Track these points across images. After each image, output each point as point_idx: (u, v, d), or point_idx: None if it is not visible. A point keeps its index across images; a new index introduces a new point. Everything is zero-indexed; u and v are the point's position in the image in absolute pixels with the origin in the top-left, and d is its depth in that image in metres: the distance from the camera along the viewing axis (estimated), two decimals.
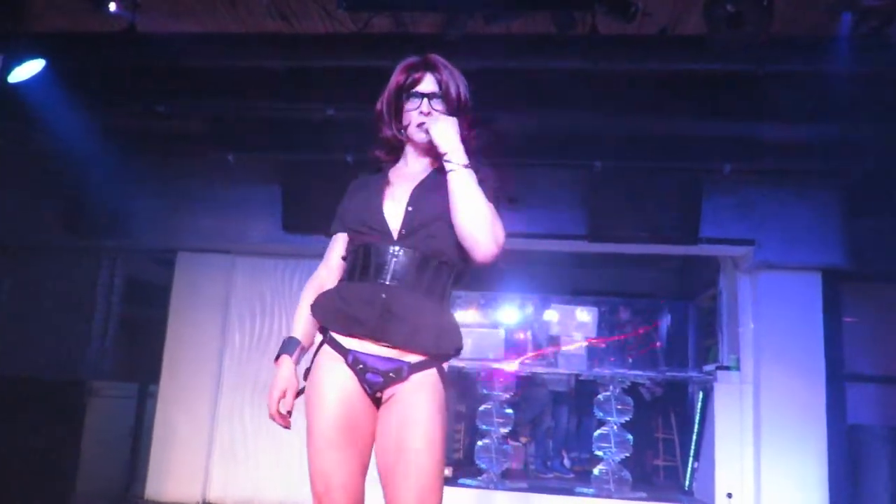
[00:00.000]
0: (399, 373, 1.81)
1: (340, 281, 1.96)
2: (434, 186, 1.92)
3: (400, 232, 1.87)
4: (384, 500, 1.79)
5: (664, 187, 5.31)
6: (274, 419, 1.87)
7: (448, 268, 1.90)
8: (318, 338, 1.94)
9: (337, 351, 1.85)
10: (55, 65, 4.05)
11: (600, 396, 5.89)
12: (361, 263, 1.89)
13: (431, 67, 1.97)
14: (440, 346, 1.85)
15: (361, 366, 1.82)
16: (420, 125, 1.93)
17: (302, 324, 1.95)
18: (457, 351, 1.89)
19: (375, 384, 1.82)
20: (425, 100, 1.94)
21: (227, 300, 6.02)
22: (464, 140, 1.90)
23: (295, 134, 5.07)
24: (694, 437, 6.18)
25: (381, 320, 1.81)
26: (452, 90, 1.95)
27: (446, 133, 1.86)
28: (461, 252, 1.88)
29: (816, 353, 5.40)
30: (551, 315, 6.99)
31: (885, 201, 5.19)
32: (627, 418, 5.80)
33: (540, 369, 6.50)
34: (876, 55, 3.40)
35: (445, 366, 1.90)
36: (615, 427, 5.78)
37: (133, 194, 5.63)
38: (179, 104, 4.68)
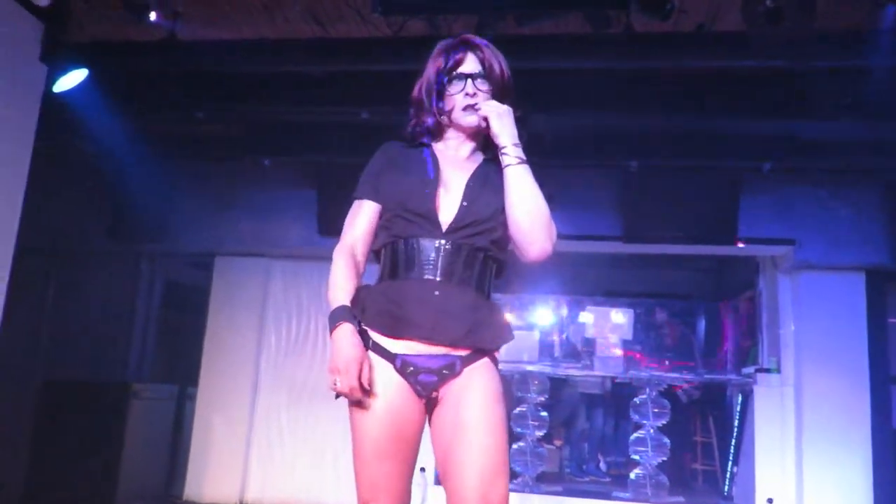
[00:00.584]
0: (452, 368, 1.73)
1: (381, 279, 1.83)
2: (486, 179, 1.85)
3: (449, 225, 1.77)
4: (447, 494, 1.71)
5: (701, 187, 5.24)
6: (353, 392, 1.67)
7: (493, 262, 1.83)
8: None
9: (383, 356, 1.73)
10: (97, 73, 4.14)
11: (636, 399, 5.83)
12: (405, 258, 1.78)
13: (472, 47, 1.89)
14: (495, 342, 1.79)
15: (412, 368, 1.72)
16: (466, 108, 1.85)
17: (345, 293, 1.78)
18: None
19: (429, 384, 1.73)
20: (469, 80, 1.85)
21: (263, 303, 6.09)
22: None
23: (330, 137, 5.12)
24: (733, 441, 6.08)
25: (437, 320, 1.72)
26: (496, 68, 1.87)
27: (506, 125, 1.79)
28: (505, 248, 1.83)
29: (860, 355, 5.28)
30: (586, 317, 6.94)
31: None
32: (664, 421, 5.73)
33: (575, 372, 6.45)
34: None
35: (497, 355, 1.83)
36: (652, 430, 5.71)
37: (172, 199, 5.73)
38: (217, 110, 4.75)
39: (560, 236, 1.83)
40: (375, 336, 1.75)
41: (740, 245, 5.38)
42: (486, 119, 1.82)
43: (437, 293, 1.73)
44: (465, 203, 1.79)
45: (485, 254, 1.79)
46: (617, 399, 6.74)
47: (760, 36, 3.33)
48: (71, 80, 4.09)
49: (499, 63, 1.88)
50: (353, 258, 1.83)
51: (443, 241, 1.76)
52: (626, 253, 5.79)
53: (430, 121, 1.89)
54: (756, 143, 4.96)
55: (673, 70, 4.27)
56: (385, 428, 1.70)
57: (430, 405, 1.75)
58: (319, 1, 3.70)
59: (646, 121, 4.71)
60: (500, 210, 1.79)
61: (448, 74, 1.86)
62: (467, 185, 1.83)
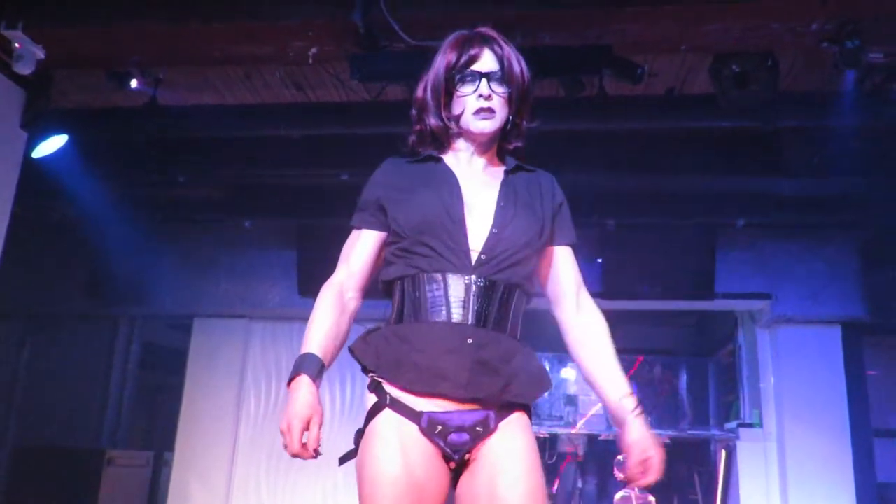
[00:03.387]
0: (486, 424, 1.47)
1: (399, 319, 1.55)
2: (516, 197, 1.61)
3: (479, 257, 1.51)
4: None
5: (678, 243, 5.32)
6: (298, 456, 1.42)
7: (526, 298, 1.59)
8: (370, 398, 1.53)
9: (405, 415, 1.46)
10: (78, 138, 4.17)
11: (620, 457, 5.78)
12: (431, 297, 1.50)
13: (489, 41, 1.62)
14: (532, 395, 1.54)
15: (441, 427, 1.45)
16: (479, 111, 1.59)
17: (320, 337, 1.51)
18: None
19: (462, 445, 1.46)
20: (484, 80, 1.58)
21: (243, 365, 6.02)
22: (520, 134, 1.68)
23: (310, 199, 5.16)
24: (719, 497, 6.02)
25: (472, 374, 1.45)
26: (516, 69, 1.62)
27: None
28: (536, 283, 1.63)
29: (840, 408, 5.30)
30: (568, 373, 6.92)
31: None
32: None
33: (558, 430, 6.40)
34: (881, 110, 3.44)
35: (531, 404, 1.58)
36: (636, 489, 5.65)
37: (152, 261, 5.71)
38: (198, 173, 4.79)
39: (540, 294, 1.68)
40: (394, 391, 1.48)
41: (718, 300, 5.44)
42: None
43: (470, 341, 1.46)
44: (494, 230, 1.53)
45: (519, 290, 1.55)
46: (601, 457, 6.67)
47: (729, 98, 3.43)
48: (51, 145, 4.11)
49: (519, 64, 1.63)
50: (342, 296, 1.59)
51: (474, 278, 1.50)
52: (609, 310, 5.80)
53: (434, 122, 1.63)
54: (730, 200, 5.06)
55: (646, 131, 4.38)
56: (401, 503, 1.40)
57: (458, 468, 1.49)
58: (300, 67, 3.77)
59: (622, 179, 4.80)
60: (536, 236, 1.58)
61: (460, 72, 1.60)
62: (498, 206, 1.57)
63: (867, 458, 5.28)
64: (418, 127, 1.67)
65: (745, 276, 5.44)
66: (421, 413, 1.45)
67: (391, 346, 1.51)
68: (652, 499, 5.63)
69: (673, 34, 3.11)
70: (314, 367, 1.47)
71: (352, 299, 1.61)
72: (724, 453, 6.02)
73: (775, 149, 4.34)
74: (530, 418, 1.56)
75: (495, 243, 1.52)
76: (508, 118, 1.65)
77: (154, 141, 4.43)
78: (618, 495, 5.72)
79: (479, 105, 1.58)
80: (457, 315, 1.48)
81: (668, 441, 6.31)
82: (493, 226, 1.53)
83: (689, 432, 6.45)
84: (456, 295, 1.49)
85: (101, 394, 6.56)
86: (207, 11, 3.18)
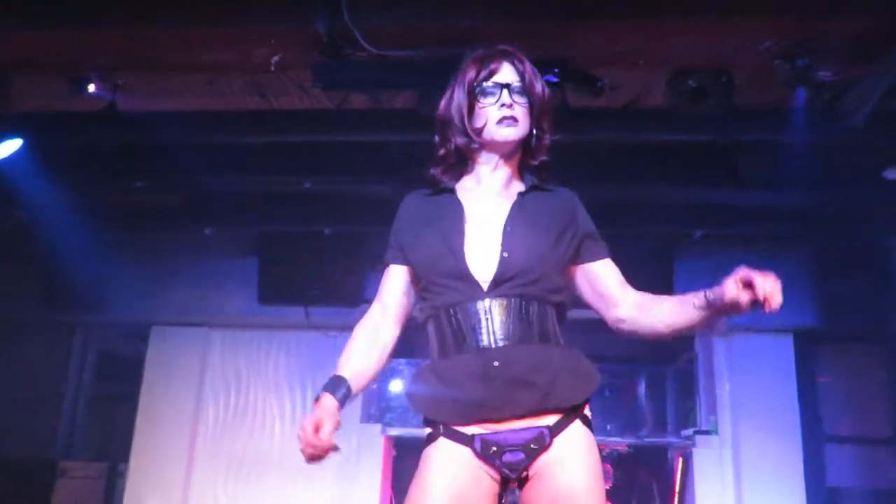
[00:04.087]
0: (541, 441, 1.48)
1: (432, 358, 1.61)
2: (528, 217, 1.62)
3: (492, 281, 1.54)
4: None
5: (637, 253, 5.36)
6: (313, 456, 1.52)
7: (552, 307, 1.60)
8: (427, 430, 1.59)
9: (458, 441, 1.51)
10: (34, 143, 4.08)
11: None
12: (452, 331, 1.55)
13: (508, 55, 1.67)
14: (579, 394, 1.55)
15: (494, 448, 1.48)
16: (503, 120, 1.62)
17: (352, 363, 1.60)
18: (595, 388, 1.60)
19: (518, 464, 1.49)
20: (505, 91, 1.62)
21: (201, 374, 5.93)
22: (544, 147, 1.70)
23: (271, 207, 5.12)
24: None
25: (506, 392, 1.48)
26: (536, 84, 1.66)
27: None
28: (563, 292, 1.63)
29: (792, 414, 5.43)
30: None
31: (852, 264, 5.34)
32: (607, 487, 5.73)
33: None
34: (830, 127, 3.55)
35: (587, 411, 1.58)
36: None
37: (110, 269, 5.60)
38: (158, 180, 4.72)
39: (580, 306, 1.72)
40: (449, 424, 1.55)
41: None
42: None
43: (496, 364, 1.50)
44: (504, 254, 1.56)
45: (538, 302, 1.57)
46: None
47: (686, 112, 3.51)
48: (5, 149, 4.02)
49: (537, 78, 1.68)
50: (374, 331, 1.66)
51: (488, 302, 1.53)
52: (568, 319, 5.87)
53: (460, 140, 1.66)
54: (688, 211, 5.16)
55: (607, 142, 4.45)
56: None
57: (519, 485, 1.53)
58: (262, 74, 3.75)
59: (581, 190, 4.85)
60: (548, 250, 1.59)
61: (480, 85, 1.64)
62: (505, 231, 1.59)
63: (818, 463, 5.42)
64: (443, 150, 1.70)
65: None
66: (473, 436, 1.50)
67: (430, 386, 1.57)
68: (609, 468, 5.68)
69: (631, 49, 3.18)
70: (340, 387, 1.55)
71: (386, 332, 1.69)
72: (680, 460, 6.11)
73: (731, 162, 4.44)
74: (589, 426, 1.57)
75: (506, 268, 1.55)
76: (531, 131, 1.68)
77: (113, 146, 4.36)
78: None
79: (502, 114, 1.62)
80: (480, 341, 1.52)
81: (628, 448, 6.39)
82: (503, 250, 1.56)
83: (648, 440, 6.53)
84: (474, 323, 1.53)
85: (54, 403, 6.40)
86: (169, 17, 3.15)
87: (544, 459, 1.49)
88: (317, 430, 1.49)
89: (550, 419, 1.51)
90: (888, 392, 5.61)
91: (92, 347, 6.69)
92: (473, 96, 1.65)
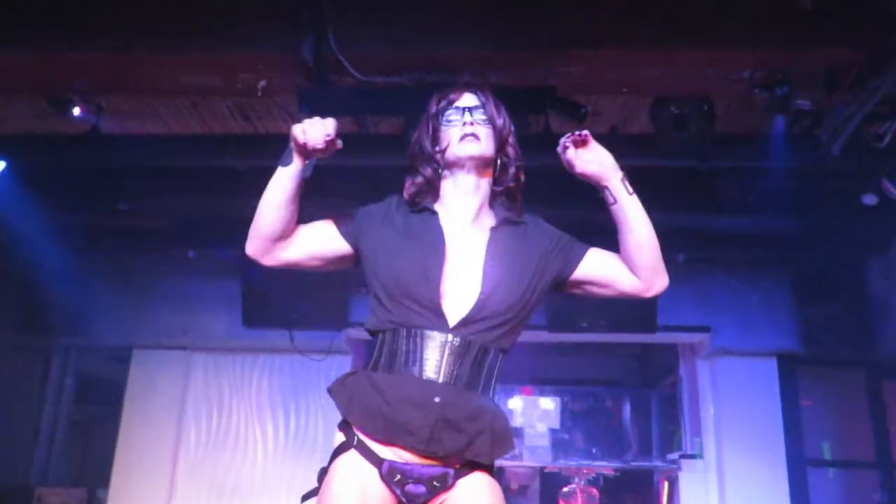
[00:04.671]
0: (444, 480, 1.52)
1: (375, 367, 1.60)
2: (506, 255, 1.64)
3: (461, 319, 1.56)
4: None
5: None
6: (315, 142, 1.58)
7: (503, 355, 1.63)
8: (339, 437, 1.60)
9: (368, 459, 1.53)
10: (17, 165, 4.06)
11: (566, 489, 5.81)
12: (406, 350, 1.55)
13: (469, 86, 1.75)
14: (494, 455, 1.57)
15: (399, 477, 1.51)
16: (462, 138, 1.66)
17: (297, 192, 1.67)
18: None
19: (418, 496, 1.51)
20: (467, 112, 1.68)
21: (183, 398, 5.87)
22: (510, 175, 1.71)
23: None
24: None
25: (435, 430, 1.50)
26: (494, 109, 1.71)
27: (600, 155, 1.66)
28: (516, 337, 1.66)
29: (776, 437, 5.45)
30: (515, 404, 6.95)
31: (834, 288, 5.40)
32: None
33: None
34: (808, 153, 3.61)
35: (494, 467, 1.62)
36: (581, 484, 5.69)
37: (91, 292, 5.56)
38: (142, 202, 4.70)
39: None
40: (361, 434, 1.55)
41: (660, 332, 5.56)
42: (572, 163, 1.68)
43: (437, 399, 1.52)
44: (482, 295, 1.58)
45: (495, 348, 1.59)
46: (546, 488, 6.69)
47: (667, 139, 3.55)
48: None
49: (498, 108, 1.74)
50: (292, 233, 1.70)
51: (450, 337, 1.55)
52: (554, 341, 5.88)
53: (428, 170, 1.70)
54: (671, 236, 5.13)
55: None
56: None
57: None
58: (248, 99, 3.76)
59: (566, 215, 4.86)
60: (523, 300, 1.61)
61: (443, 113, 1.71)
62: (486, 271, 1.61)
63: (802, 486, 5.42)
64: (411, 178, 1.73)
65: (686, 309, 5.57)
66: (383, 460, 1.52)
67: (364, 393, 1.56)
68: (595, 492, 5.67)
69: (614, 77, 3.22)
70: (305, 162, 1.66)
71: (289, 238, 1.69)
72: (666, 484, 6.11)
73: (713, 187, 4.49)
74: (494, 476, 1.60)
75: (479, 309, 1.57)
76: (496, 158, 1.72)
77: (96, 168, 4.34)
78: (564, 489, 5.76)
79: (464, 132, 1.67)
80: (428, 372, 1.53)
81: (614, 472, 6.38)
82: (482, 290, 1.58)
83: (633, 464, 6.52)
84: (431, 352, 1.54)
85: (32, 428, 6.29)
86: (154, 41, 3.16)
87: (448, 499, 1.53)
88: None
89: (458, 464, 1.55)
90: (871, 415, 5.65)
91: (71, 371, 6.60)
92: (437, 124, 1.70)
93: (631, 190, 1.68)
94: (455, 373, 1.54)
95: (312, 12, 3.00)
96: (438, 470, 1.52)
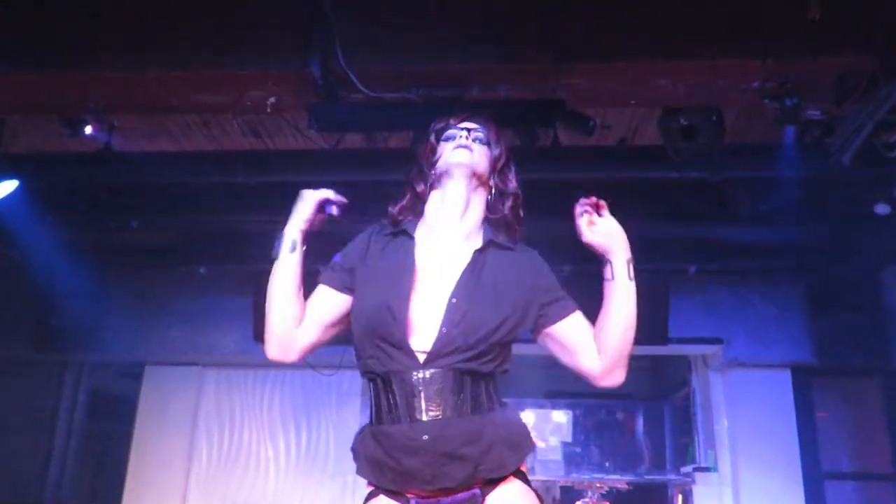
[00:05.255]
0: (474, 501, 1.51)
1: (372, 420, 1.61)
2: (478, 283, 1.60)
3: (429, 354, 1.54)
4: None
5: None
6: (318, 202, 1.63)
7: (489, 376, 1.59)
8: (368, 488, 1.61)
9: (396, 500, 1.54)
10: (29, 184, 4.09)
11: (579, 503, 5.76)
12: (388, 401, 1.54)
13: (473, 112, 1.80)
14: (511, 463, 1.55)
15: None
16: (455, 148, 1.70)
17: (297, 273, 1.71)
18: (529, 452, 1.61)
19: None
20: (465, 132, 1.72)
21: (195, 413, 5.88)
22: (504, 205, 1.73)
23: (266, 246, 5.10)
24: None
25: (435, 468, 1.49)
26: (493, 135, 1.75)
27: (614, 230, 1.63)
28: (502, 362, 1.62)
29: (792, 450, 5.39)
30: (527, 418, 6.91)
31: (848, 298, 5.35)
32: None
33: None
34: (819, 163, 3.59)
35: (524, 467, 1.60)
36: (594, 498, 5.64)
37: (103, 308, 5.59)
38: (153, 219, 4.73)
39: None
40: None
41: (672, 344, 5.52)
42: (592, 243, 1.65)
43: (426, 437, 1.49)
44: (443, 329, 1.54)
45: (473, 375, 1.56)
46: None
47: (677, 150, 3.54)
48: (0, 190, 4.02)
49: (497, 135, 1.77)
50: (297, 319, 1.70)
51: (423, 374, 1.52)
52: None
53: (419, 186, 1.74)
54: (681, 247, 5.17)
55: (599, 179, 4.48)
56: None
57: None
58: (258, 115, 3.79)
59: (572, 228, 4.87)
60: (492, 330, 1.56)
61: (443, 132, 1.75)
62: (450, 304, 1.57)
63: (818, 500, 5.35)
64: (399, 199, 1.76)
65: (698, 320, 5.54)
66: (409, 498, 1.51)
67: (370, 450, 1.56)
68: None
69: (623, 89, 3.21)
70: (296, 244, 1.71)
71: (298, 323, 1.69)
72: (680, 497, 6.05)
73: (723, 198, 4.47)
74: (526, 481, 1.57)
75: (443, 344, 1.54)
76: (490, 183, 1.73)
77: (108, 186, 4.37)
78: (577, 503, 5.71)
79: (458, 143, 1.70)
80: (414, 414, 1.51)
81: (627, 486, 6.33)
82: (443, 325, 1.55)
83: (647, 477, 6.46)
84: (408, 394, 1.52)
85: (45, 444, 6.31)
86: (165, 60, 3.18)
87: None
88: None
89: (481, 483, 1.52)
90: (888, 426, 5.58)
91: (84, 387, 6.63)
92: (437, 141, 1.74)
93: (632, 276, 1.63)
94: (436, 405, 1.51)
95: (321, 28, 3.02)
96: (465, 494, 1.51)
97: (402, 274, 1.62)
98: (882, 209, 4.03)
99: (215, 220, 4.83)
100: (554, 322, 1.68)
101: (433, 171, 1.72)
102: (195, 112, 3.80)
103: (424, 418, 1.51)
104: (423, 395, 1.51)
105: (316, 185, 4.59)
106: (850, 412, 5.76)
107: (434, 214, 1.72)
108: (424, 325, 1.56)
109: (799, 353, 5.49)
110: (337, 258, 1.74)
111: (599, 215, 1.67)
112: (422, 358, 1.54)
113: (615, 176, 4.32)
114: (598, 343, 1.64)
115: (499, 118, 3.70)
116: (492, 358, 1.58)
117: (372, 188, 4.30)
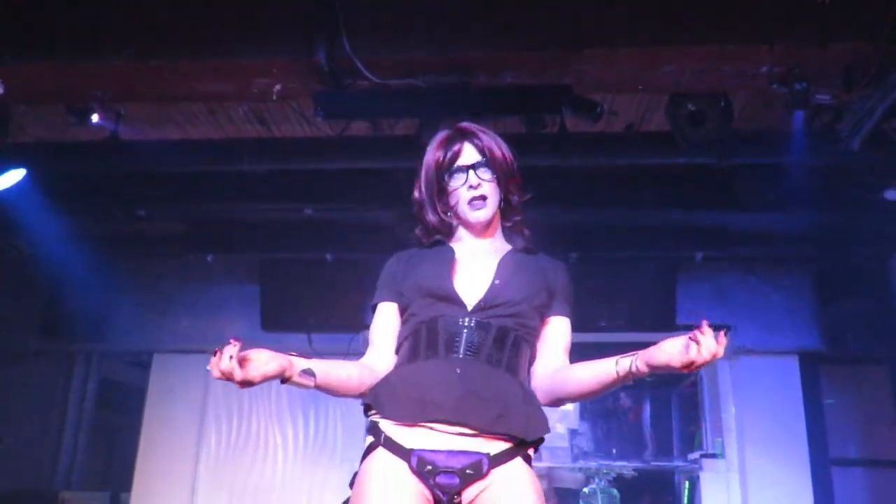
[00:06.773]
0: (478, 468, 1.48)
1: (399, 364, 1.65)
2: (519, 266, 1.71)
3: (478, 304, 1.61)
4: None
5: (639, 276, 5.40)
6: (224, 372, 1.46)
7: (527, 346, 1.65)
8: (367, 440, 1.59)
9: (396, 454, 1.51)
10: (36, 173, 4.10)
11: (585, 489, 5.78)
12: (426, 339, 1.60)
13: (468, 136, 1.78)
14: (530, 431, 1.54)
15: (430, 467, 1.48)
16: (472, 201, 1.74)
17: (326, 364, 1.57)
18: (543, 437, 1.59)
19: (451, 487, 1.47)
20: (471, 171, 1.73)
21: (203, 402, 5.90)
22: (515, 209, 1.80)
23: (273, 234, 5.13)
24: None
25: (461, 401, 1.50)
26: (497, 153, 1.76)
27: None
28: (536, 339, 1.69)
29: (799, 437, 5.38)
30: None
31: (856, 285, 5.33)
32: None
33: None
34: (829, 148, 3.56)
35: (532, 453, 1.57)
36: (601, 484, 5.66)
37: (112, 297, 5.62)
38: (160, 208, 4.74)
39: None
40: (388, 428, 1.53)
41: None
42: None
43: (458, 370, 1.54)
44: (496, 281, 1.65)
45: (516, 334, 1.62)
46: (564, 489, 6.65)
47: (685, 136, 3.53)
48: (7, 180, 4.04)
49: (499, 147, 1.77)
50: (366, 366, 1.66)
51: (468, 320, 1.60)
52: (572, 342, 5.86)
53: (433, 219, 1.78)
54: (689, 234, 5.16)
55: (606, 166, 4.46)
56: None
57: None
58: (264, 103, 3.78)
59: (583, 214, 4.87)
60: (534, 295, 1.66)
61: (447, 169, 1.75)
62: (499, 265, 1.69)
63: (826, 487, 5.35)
64: (420, 226, 1.82)
65: (705, 308, 5.53)
66: (411, 451, 1.49)
67: (389, 385, 1.59)
68: (616, 492, 5.64)
69: (630, 75, 3.20)
70: (302, 360, 1.55)
71: (381, 362, 1.69)
72: (687, 484, 6.05)
73: (731, 184, 4.45)
74: (530, 464, 1.54)
75: (495, 294, 1.63)
76: (501, 199, 1.79)
77: (115, 175, 4.38)
78: (584, 489, 5.73)
79: (471, 195, 1.73)
80: (449, 351, 1.57)
81: (634, 472, 6.34)
82: (495, 277, 1.66)
83: (654, 463, 6.46)
84: (449, 334, 1.59)
85: (55, 433, 6.37)
86: (171, 49, 3.19)
87: (482, 494, 1.48)
88: (254, 359, 1.50)
89: (495, 447, 1.50)
90: (895, 414, 5.57)
91: (93, 376, 6.67)
92: (442, 179, 1.76)
93: (631, 382, 1.56)
94: (475, 348, 1.57)
95: (326, 16, 3.01)
96: (471, 457, 1.48)
97: (448, 257, 1.72)
98: (892, 195, 4.00)
99: (222, 209, 4.84)
100: (551, 314, 1.74)
101: (451, 214, 1.78)
102: (201, 100, 3.80)
103: (460, 355, 1.57)
104: (464, 337, 1.58)
105: (321, 174, 4.59)
106: (857, 399, 5.75)
107: (459, 231, 1.82)
108: (471, 283, 1.66)
109: (807, 340, 5.48)
110: (381, 282, 1.79)
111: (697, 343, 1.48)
112: (469, 307, 1.62)
113: (622, 163, 4.31)
114: (553, 376, 1.66)
115: (504, 106, 3.72)
116: (531, 328, 1.66)
117: (377, 176, 4.32)
